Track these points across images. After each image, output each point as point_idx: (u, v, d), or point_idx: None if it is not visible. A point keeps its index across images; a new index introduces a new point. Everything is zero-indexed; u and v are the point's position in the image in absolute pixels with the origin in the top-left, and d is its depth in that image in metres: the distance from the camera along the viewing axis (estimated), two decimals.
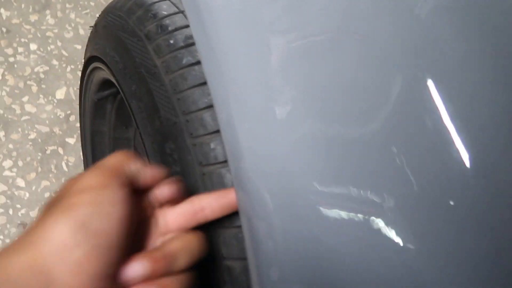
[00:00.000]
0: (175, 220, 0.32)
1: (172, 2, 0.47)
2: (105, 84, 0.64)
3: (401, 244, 0.26)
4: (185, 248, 0.29)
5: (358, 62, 0.29)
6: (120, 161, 0.30)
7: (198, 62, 0.39)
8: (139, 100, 0.43)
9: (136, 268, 0.27)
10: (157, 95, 0.41)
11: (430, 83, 0.27)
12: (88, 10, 1.12)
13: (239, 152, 0.32)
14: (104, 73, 0.59)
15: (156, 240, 0.31)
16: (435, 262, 0.26)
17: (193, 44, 0.40)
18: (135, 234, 0.29)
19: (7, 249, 0.24)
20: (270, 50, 0.33)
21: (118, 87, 0.49)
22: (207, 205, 0.32)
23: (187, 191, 0.34)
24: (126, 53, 0.47)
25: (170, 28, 0.42)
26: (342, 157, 0.28)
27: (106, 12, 0.55)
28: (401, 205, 0.27)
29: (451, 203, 0.26)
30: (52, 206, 0.26)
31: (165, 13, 0.45)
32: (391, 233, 0.27)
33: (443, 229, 0.26)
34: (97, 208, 0.26)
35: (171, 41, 0.41)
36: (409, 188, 0.27)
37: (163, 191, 0.31)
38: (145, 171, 0.31)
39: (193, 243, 0.30)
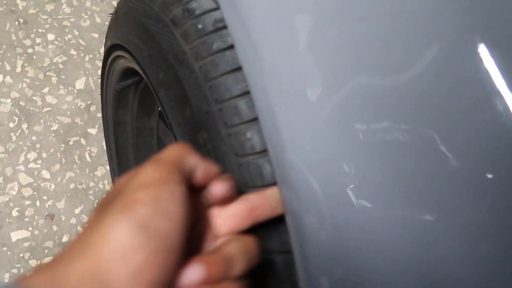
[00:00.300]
0: (228, 221, 0.29)
1: None
2: (128, 72, 0.62)
3: (444, 225, 0.26)
4: (243, 252, 0.27)
5: (394, 34, 0.27)
6: (179, 154, 0.27)
7: (230, 47, 0.37)
8: (167, 89, 0.42)
9: (193, 273, 0.24)
10: (186, 83, 0.39)
11: (476, 41, 0.25)
12: None
13: (281, 142, 0.30)
14: (127, 62, 0.57)
15: (209, 242, 0.29)
16: (470, 238, 0.25)
17: (223, 28, 0.38)
18: (190, 237, 0.26)
19: (63, 255, 0.22)
20: (309, 30, 0.31)
21: (144, 75, 0.48)
22: (259, 204, 0.30)
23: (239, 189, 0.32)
24: (151, 40, 0.45)
25: (197, 12, 0.40)
26: (385, 141, 0.27)
27: None
28: (442, 185, 0.26)
29: (489, 176, 0.25)
30: (107, 205, 0.24)
31: None
32: (437, 221, 0.26)
33: (479, 204, 0.25)
34: (159, 206, 0.23)
35: (199, 26, 0.39)
36: (448, 165, 0.25)
37: (217, 189, 0.28)
38: (202, 166, 0.28)
39: (251, 246, 0.28)
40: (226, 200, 0.30)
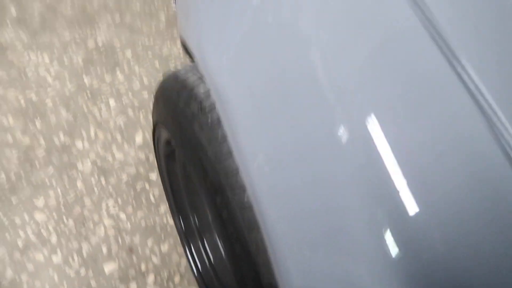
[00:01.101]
0: None
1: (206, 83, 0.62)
2: (170, 141, 0.82)
3: None
4: None
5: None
6: None
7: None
8: (192, 165, 0.60)
9: None
10: (204, 163, 0.56)
11: None
12: (147, 60, 1.33)
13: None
14: (167, 135, 0.76)
15: None
16: None
17: None
18: None
19: None
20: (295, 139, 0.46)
21: (177, 151, 0.66)
22: None
23: None
24: (179, 128, 0.63)
25: (207, 109, 0.57)
26: None
27: (163, 89, 0.72)
28: None
29: None
30: None
31: (202, 94, 0.60)
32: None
33: None
34: None
35: (209, 120, 0.57)
36: None
37: None
38: None
39: None
40: None
